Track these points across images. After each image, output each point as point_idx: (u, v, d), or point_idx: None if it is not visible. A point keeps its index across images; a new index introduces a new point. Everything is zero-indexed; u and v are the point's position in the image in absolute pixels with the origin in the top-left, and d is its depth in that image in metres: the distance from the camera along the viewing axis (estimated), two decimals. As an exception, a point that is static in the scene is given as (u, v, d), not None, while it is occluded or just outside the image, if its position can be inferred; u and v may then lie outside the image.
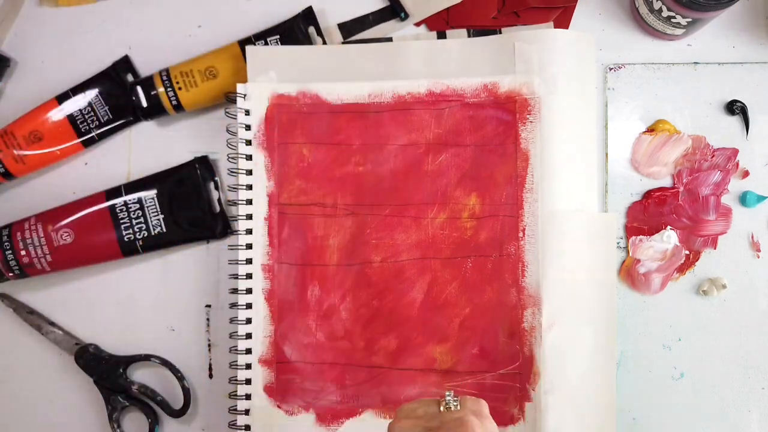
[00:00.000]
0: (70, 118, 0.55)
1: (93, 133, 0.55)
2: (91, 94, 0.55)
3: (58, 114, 0.55)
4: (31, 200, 0.56)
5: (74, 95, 0.55)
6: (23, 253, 0.53)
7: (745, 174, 0.52)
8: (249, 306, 0.52)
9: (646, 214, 0.52)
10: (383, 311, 0.52)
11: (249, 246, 0.53)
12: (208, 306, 0.55)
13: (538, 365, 0.50)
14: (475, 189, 0.52)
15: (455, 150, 0.52)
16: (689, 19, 0.49)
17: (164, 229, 0.54)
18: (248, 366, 0.52)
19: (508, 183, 0.51)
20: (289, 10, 0.55)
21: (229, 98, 0.53)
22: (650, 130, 0.53)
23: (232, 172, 0.53)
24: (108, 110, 0.55)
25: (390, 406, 0.52)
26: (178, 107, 0.53)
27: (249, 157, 0.53)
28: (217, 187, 0.55)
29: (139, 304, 0.56)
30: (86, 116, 0.55)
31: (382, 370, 0.52)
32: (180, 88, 0.53)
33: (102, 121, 0.55)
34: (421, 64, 0.53)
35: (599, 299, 0.50)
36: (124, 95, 0.55)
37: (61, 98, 0.55)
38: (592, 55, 0.52)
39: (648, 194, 0.52)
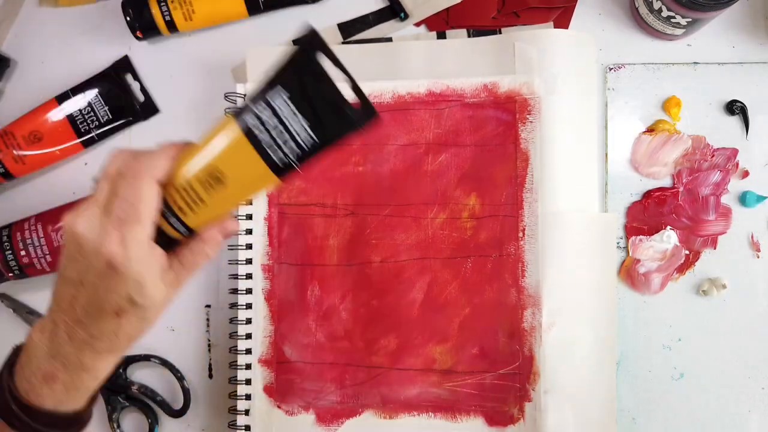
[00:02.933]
0: (70, 118, 0.55)
1: (93, 134, 0.55)
2: (91, 94, 0.55)
3: (57, 114, 0.55)
4: (31, 200, 0.56)
5: (74, 95, 0.55)
6: (23, 253, 0.53)
7: (745, 174, 0.52)
8: (249, 306, 0.52)
9: (646, 214, 0.52)
10: (383, 311, 0.52)
11: (249, 246, 0.53)
12: (208, 306, 0.55)
13: (538, 365, 0.50)
14: (475, 189, 0.52)
15: (455, 150, 0.52)
16: (689, 19, 0.49)
17: (164, 229, 0.54)
18: (248, 366, 0.52)
19: (508, 183, 0.51)
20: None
21: (229, 98, 0.53)
22: (650, 130, 0.53)
23: (232, 172, 0.53)
24: (108, 110, 0.55)
25: (390, 407, 0.52)
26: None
27: (249, 157, 0.53)
28: (217, 187, 0.55)
29: (139, 304, 0.56)
30: (86, 116, 0.55)
31: (382, 370, 0.52)
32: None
33: (102, 121, 0.55)
34: (421, 64, 0.53)
35: (599, 299, 0.50)
36: (124, 95, 0.55)
37: (61, 98, 0.55)
38: (592, 55, 0.52)
39: (648, 194, 0.52)
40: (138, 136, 0.56)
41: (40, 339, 0.36)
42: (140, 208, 0.33)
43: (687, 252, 0.52)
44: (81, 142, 0.55)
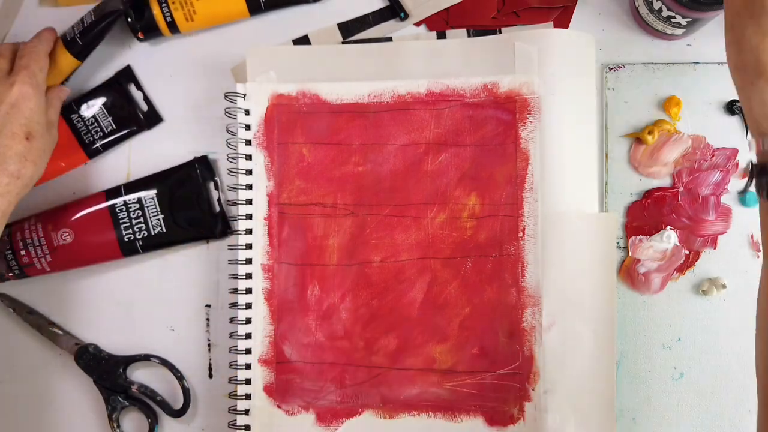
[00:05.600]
0: (74, 130, 0.55)
1: (97, 144, 0.55)
2: (95, 105, 0.55)
3: (61, 126, 0.54)
4: (31, 200, 0.56)
5: (78, 107, 0.55)
6: (23, 253, 0.53)
7: (745, 174, 0.52)
8: (249, 306, 0.52)
9: (646, 214, 0.52)
10: (383, 311, 0.52)
11: (249, 246, 0.53)
12: (208, 306, 0.55)
13: (537, 365, 0.50)
14: (474, 189, 0.52)
15: (455, 150, 0.52)
16: (689, 19, 0.49)
17: (164, 229, 0.54)
18: (248, 366, 0.52)
19: (508, 183, 0.51)
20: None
21: (229, 98, 0.53)
22: (650, 130, 0.53)
23: (231, 172, 0.53)
24: (112, 121, 0.55)
25: (390, 406, 0.52)
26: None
27: (249, 157, 0.53)
28: (217, 187, 0.55)
29: (139, 304, 0.56)
30: (90, 128, 0.55)
31: (382, 370, 0.52)
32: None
33: (106, 132, 0.55)
34: (421, 64, 0.53)
35: (599, 299, 0.50)
36: (127, 105, 0.55)
37: (65, 110, 0.54)
38: (592, 55, 0.52)
39: (648, 194, 0.52)
40: (140, 146, 0.56)
41: None
42: (40, 60, 0.50)
43: (687, 252, 0.52)
44: (86, 153, 0.55)
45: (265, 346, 0.52)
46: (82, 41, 0.52)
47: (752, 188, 0.39)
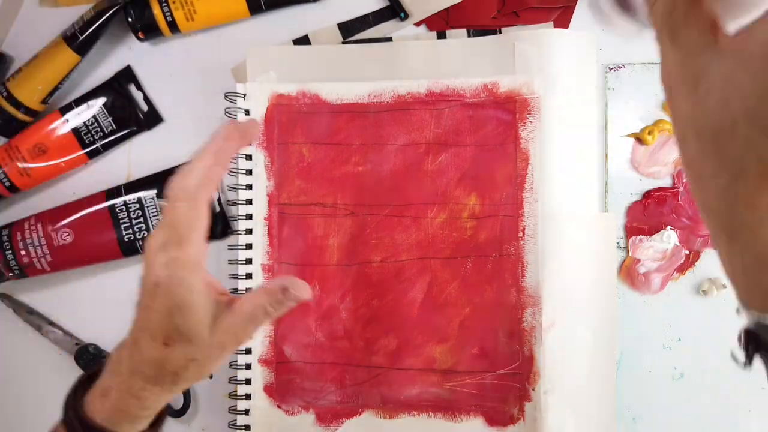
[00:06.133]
0: (75, 130, 0.55)
1: (97, 144, 0.55)
2: (95, 105, 0.55)
3: (62, 126, 0.54)
4: (31, 200, 0.56)
5: (77, 106, 0.55)
6: (23, 253, 0.53)
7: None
8: (249, 306, 0.52)
9: (646, 214, 0.52)
10: (383, 311, 0.52)
11: (249, 246, 0.53)
12: (208, 306, 0.55)
13: (537, 365, 0.50)
14: (474, 189, 0.52)
15: (455, 150, 0.52)
16: (689, 19, 0.49)
17: (164, 229, 0.54)
18: (248, 366, 0.52)
19: (508, 183, 0.51)
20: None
21: (229, 98, 0.53)
22: (650, 130, 0.53)
23: (231, 172, 0.53)
24: (112, 121, 0.55)
25: (390, 407, 0.52)
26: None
27: (249, 157, 0.53)
28: (216, 188, 0.55)
29: (139, 304, 0.56)
30: (90, 128, 0.55)
31: (382, 370, 0.52)
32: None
33: (106, 132, 0.55)
34: (421, 64, 0.53)
35: (599, 299, 0.50)
36: (128, 105, 0.55)
37: (65, 110, 0.55)
38: (592, 55, 0.52)
39: (648, 194, 0.52)
40: (139, 145, 0.56)
41: (114, 353, 0.36)
42: (180, 229, 0.33)
43: (687, 252, 0.52)
44: (86, 153, 0.55)
45: (265, 346, 0.52)
46: (82, 36, 0.52)
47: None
